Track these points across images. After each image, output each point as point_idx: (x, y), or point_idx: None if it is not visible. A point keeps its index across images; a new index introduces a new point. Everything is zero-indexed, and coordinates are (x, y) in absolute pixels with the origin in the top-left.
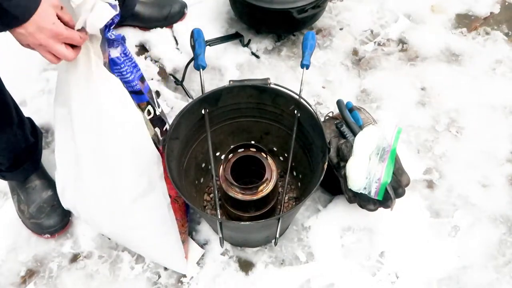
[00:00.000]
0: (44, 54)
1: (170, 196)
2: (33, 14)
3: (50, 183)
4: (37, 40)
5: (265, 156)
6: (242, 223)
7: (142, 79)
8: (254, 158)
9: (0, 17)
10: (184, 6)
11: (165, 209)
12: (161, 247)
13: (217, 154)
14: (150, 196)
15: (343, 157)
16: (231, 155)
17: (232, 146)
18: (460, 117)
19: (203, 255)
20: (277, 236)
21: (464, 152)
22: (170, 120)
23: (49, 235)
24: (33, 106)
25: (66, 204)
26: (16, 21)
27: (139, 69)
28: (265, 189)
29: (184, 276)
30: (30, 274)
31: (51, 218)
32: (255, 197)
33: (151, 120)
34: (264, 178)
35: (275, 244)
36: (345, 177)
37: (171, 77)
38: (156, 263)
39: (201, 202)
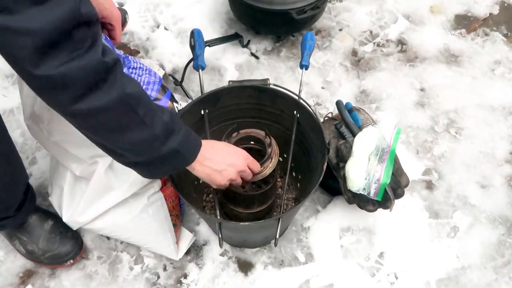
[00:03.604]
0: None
1: (160, 178)
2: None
3: (45, 213)
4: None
5: (266, 136)
6: (241, 223)
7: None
8: (257, 139)
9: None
10: (125, 13)
11: (156, 194)
12: (151, 232)
13: None
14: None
15: (342, 157)
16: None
17: (231, 128)
18: (459, 118)
19: (202, 255)
20: (277, 236)
21: (463, 153)
22: None
23: (71, 261)
24: None
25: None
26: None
27: (150, 69)
28: (266, 169)
29: (184, 277)
30: (29, 274)
31: (66, 244)
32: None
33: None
34: (266, 156)
35: (275, 244)
36: (344, 178)
37: (171, 78)
38: (154, 259)
39: (201, 203)
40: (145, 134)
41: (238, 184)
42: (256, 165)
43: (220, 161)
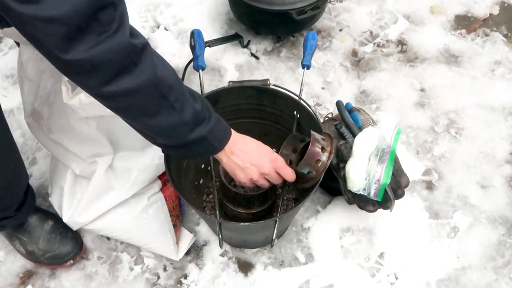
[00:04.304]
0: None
1: (160, 179)
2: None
3: (46, 214)
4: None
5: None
6: (241, 224)
7: None
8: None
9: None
10: None
11: (156, 194)
12: (151, 232)
13: None
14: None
15: (342, 158)
16: None
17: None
18: (459, 118)
19: (202, 255)
20: (274, 237)
21: (463, 153)
22: None
23: (71, 261)
24: None
25: (80, 219)
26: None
27: None
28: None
29: (184, 277)
30: (29, 275)
31: (66, 244)
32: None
33: None
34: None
35: (272, 245)
36: (344, 178)
37: None
38: (154, 260)
39: (201, 203)
40: (174, 119)
41: (263, 186)
42: (286, 172)
43: (245, 159)
